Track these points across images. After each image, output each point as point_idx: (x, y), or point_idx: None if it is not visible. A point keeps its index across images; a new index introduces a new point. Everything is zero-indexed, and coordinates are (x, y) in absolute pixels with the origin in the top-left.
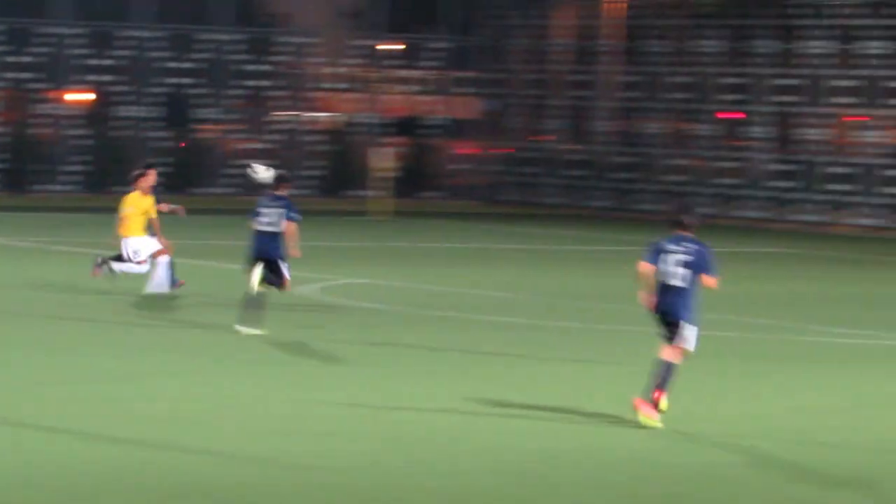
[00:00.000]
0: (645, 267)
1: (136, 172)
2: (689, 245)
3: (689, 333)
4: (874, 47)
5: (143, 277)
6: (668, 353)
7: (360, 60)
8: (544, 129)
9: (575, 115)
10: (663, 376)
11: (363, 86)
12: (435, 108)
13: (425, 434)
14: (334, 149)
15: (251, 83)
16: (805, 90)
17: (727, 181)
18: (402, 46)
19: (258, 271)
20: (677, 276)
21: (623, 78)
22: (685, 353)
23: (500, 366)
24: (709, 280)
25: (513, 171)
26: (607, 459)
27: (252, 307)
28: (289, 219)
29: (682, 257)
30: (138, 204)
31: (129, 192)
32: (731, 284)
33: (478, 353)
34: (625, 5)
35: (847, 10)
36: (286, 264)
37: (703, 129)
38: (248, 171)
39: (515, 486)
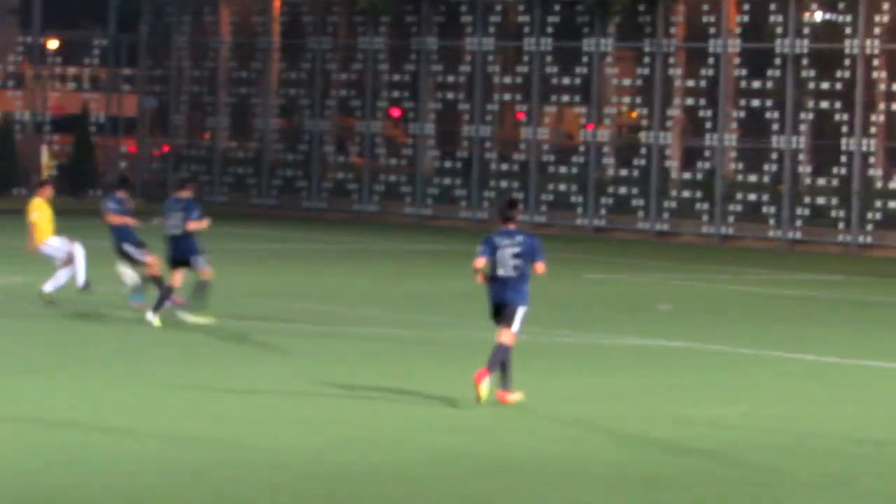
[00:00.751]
0: (480, 261)
1: (40, 180)
2: (518, 238)
3: (520, 317)
4: (539, 44)
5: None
6: (505, 338)
7: (21, 57)
8: (209, 126)
9: (240, 112)
10: (499, 359)
11: (25, 82)
12: (98, 105)
13: (92, 432)
14: None
15: None
16: (470, 87)
17: (393, 178)
18: (66, 43)
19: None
20: (510, 266)
21: (288, 75)
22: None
23: (170, 367)
24: (539, 266)
25: (177, 168)
26: (273, 460)
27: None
28: (191, 219)
29: (514, 249)
30: (43, 210)
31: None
32: (395, 282)
33: (152, 354)
34: (290, 1)
35: (512, 7)
36: (201, 257)
37: (368, 126)
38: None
39: (181, 487)
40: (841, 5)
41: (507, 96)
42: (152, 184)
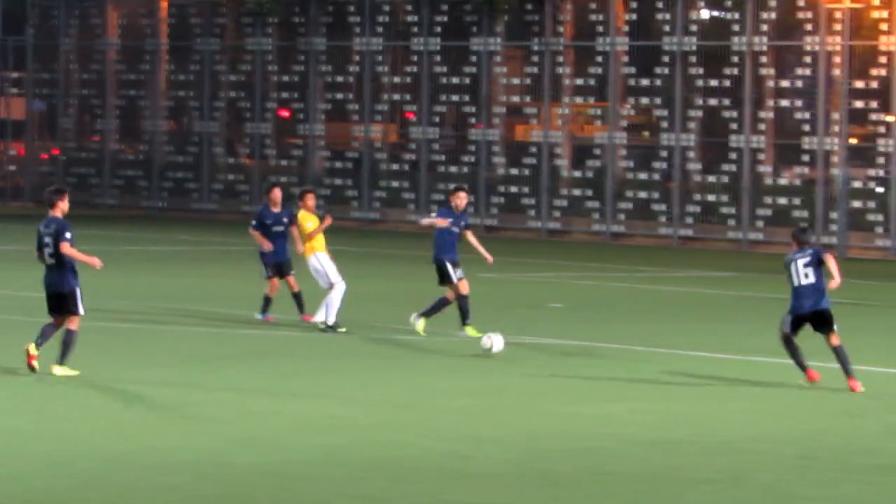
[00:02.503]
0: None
1: (305, 189)
2: (809, 250)
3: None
4: (427, 44)
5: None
6: (834, 340)
7: None
8: (98, 129)
9: (129, 114)
10: (845, 357)
11: None
12: None
13: None
14: None
15: None
16: (355, 87)
17: (284, 178)
18: None
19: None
20: (802, 275)
21: (176, 77)
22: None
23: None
24: (830, 273)
25: (66, 171)
26: (169, 461)
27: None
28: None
29: (805, 259)
30: (313, 221)
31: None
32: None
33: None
34: (177, 3)
35: (400, 7)
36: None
37: (258, 127)
38: (484, 343)
39: (77, 489)
40: (728, 3)
41: (396, 96)
42: (41, 187)
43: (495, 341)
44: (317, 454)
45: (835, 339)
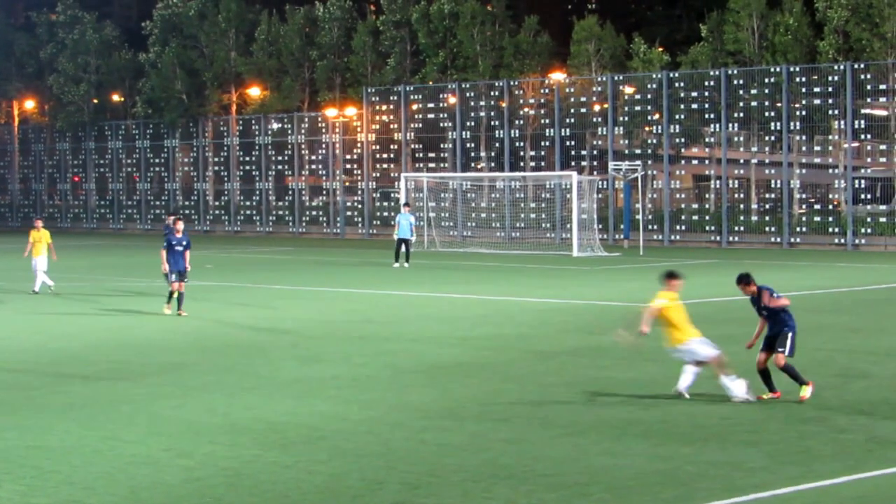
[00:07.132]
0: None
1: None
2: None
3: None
4: (140, 144)
5: None
6: (779, 360)
7: None
8: None
9: None
10: (792, 372)
11: None
12: None
13: None
14: None
15: None
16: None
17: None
18: None
19: None
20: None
21: None
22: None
23: None
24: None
25: None
26: None
27: None
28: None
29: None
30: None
31: None
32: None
33: None
34: None
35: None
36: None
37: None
38: (732, 391)
39: None
40: (285, 119)
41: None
42: None
43: (739, 390)
44: None
45: (780, 359)
